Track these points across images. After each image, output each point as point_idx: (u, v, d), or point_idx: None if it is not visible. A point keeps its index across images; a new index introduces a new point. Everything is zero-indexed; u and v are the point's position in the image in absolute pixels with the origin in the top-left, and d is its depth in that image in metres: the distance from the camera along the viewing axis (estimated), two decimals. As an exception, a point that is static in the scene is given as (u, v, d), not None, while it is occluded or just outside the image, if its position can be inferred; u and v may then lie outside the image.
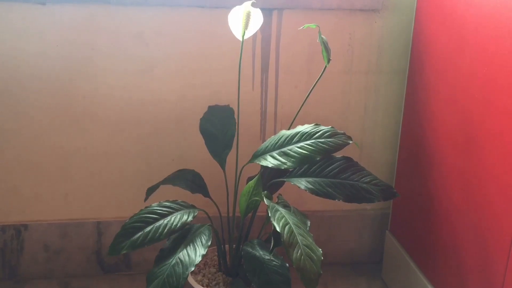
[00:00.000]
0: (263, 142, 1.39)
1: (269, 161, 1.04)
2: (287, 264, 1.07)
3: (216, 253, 1.25)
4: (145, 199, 1.17)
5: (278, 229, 0.90)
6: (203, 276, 1.19)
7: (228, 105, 1.22)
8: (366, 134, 1.43)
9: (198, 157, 1.36)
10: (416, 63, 1.26)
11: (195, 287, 1.14)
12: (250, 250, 1.11)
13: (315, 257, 0.89)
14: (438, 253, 1.17)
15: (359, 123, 1.41)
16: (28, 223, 1.38)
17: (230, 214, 1.20)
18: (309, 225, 1.04)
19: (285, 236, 0.90)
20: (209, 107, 1.23)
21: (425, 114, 1.21)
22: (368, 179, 1.09)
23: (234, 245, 1.20)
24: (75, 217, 1.40)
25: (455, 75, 1.08)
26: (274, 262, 1.07)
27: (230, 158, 1.18)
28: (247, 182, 1.23)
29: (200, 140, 1.19)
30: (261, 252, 1.10)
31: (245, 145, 1.33)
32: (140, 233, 1.00)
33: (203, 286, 1.16)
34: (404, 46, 1.36)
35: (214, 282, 1.17)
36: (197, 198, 1.18)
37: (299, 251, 0.89)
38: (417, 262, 1.28)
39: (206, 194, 1.18)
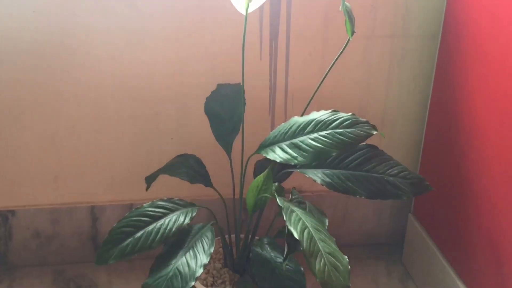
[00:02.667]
0: (271, 119, 1.24)
1: (278, 154, 0.89)
2: (302, 268, 0.95)
3: (221, 245, 1.13)
4: (147, 188, 1.04)
5: (296, 235, 0.77)
6: (207, 273, 1.08)
7: (239, 84, 1.06)
8: (389, 108, 1.26)
9: (200, 138, 1.22)
10: (451, 26, 1.08)
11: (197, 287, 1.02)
12: (260, 251, 0.98)
13: (341, 267, 0.76)
14: (469, 245, 1.04)
15: (381, 95, 1.25)
16: (15, 209, 1.25)
17: (236, 208, 1.06)
18: (327, 224, 0.91)
19: (304, 244, 0.76)
20: (218, 85, 1.08)
21: (461, 85, 1.05)
22: (396, 171, 0.94)
23: (241, 241, 1.07)
24: (66, 201, 1.27)
25: (501, 39, 0.90)
26: (288, 266, 0.94)
27: (235, 142, 1.03)
28: (255, 168, 1.09)
29: (201, 118, 1.04)
30: (272, 254, 0.97)
31: (251, 124, 1.18)
32: (129, 239, 0.87)
33: (207, 286, 1.04)
34: (437, 6, 1.17)
35: (219, 281, 1.06)
36: (198, 188, 1.05)
37: (322, 261, 0.76)
38: (443, 251, 1.15)
39: (208, 183, 1.04)
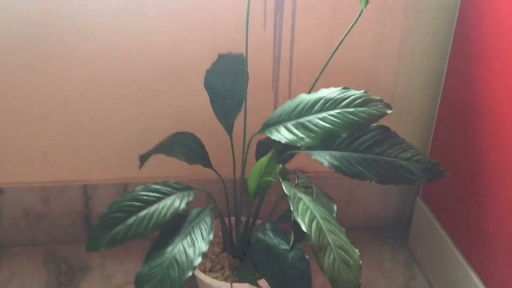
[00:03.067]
0: (275, 95, 1.17)
1: (283, 135, 0.82)
2: (307, 256, 0.89)
3: (220, 228, 1.07)
4: (140, 167, 0.97)
5: (304, 228, 0.70)
6: (205, 257, 1.02)
7: (242, 54, 0.98)
8: (399, 85, 1.19)
9: (199, 115, 1.15)
10: None
11: (195, 273, 0.97)
12: (262, 236, 0.92)
13: (351, 262, 0.70)
14: (482, 231, 0.98)
15: (392, 71, 1.17)
16: (3, 186, 1.19)
17: (237, 190, 1.00)
18: (335, 210, 0.85)
19: (313, 236, 0.70)
20: (219, 55, 0.99)
21: (480, 63, 0.97)
22: (409, 155, 0.88)
23: (241, 224, 1.01)
24: (57, 179, 1.20)
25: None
26: (292, 254, 0.88)
27: (236, 120, 0.96)
28: (257, 148, 1.03)
29: (201, 94, 0.97)
30: (275, 240, 0.91)
31: (253, 101, 1.10)
32: (120, 226, 0.81)
33: (205, 271, 0.99)
34: (454, -24, 1.09)
35: (218, 266, 1.00)
36: (197, 169, 0.98)
37: (332, 256, 0.70)
38: (452, 236, 1.10)
39: (206, 164, 0.97)
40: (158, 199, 0.84)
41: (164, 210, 0.83)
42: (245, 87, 0.93)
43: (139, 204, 0.83)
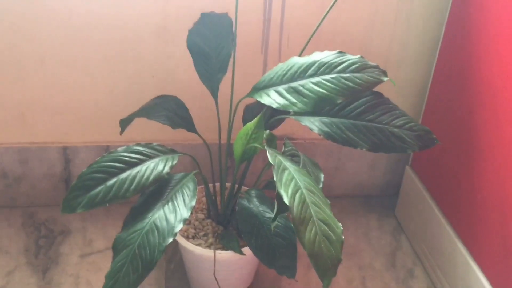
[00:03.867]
0: (264, 58, 1.12)
1: (274, 99, 0.78)
2: (292, 225, 0.87)
3: (204, 193, 1.04)
4: (121, 132, 0.92)
5: (286, 200, 0.67)
6: (189, 223, 0.99)
7: (227, 14, 0.93)
8: (394, 49, 1.15)
9: (184, 77, 1.10)
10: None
11: (177, 240, 0.94)
12: (247, 204, 0.89)
13: (333, 237, 0.67)
14: (471, 203, 0.96)
15: (387, 35, 1.13)
16: (-21, 147, 1.14)
17: (223, 156, 0.96)
18: (322, 180, 0.81)
19: (295, 209, 0.67)
20: (202, 14, 0.94)
21: (479, 29, 0.93)
22: (401, 122, 0.85)
23: (226, 191, 0.98)
24: (35, 140, 1.16)
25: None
26: (277, 222, 0.86)
27: (222, 83, 0.92)
28: (244, 112, 0.99)
29: (185, 54, 0.91)
30: (260, 208, 0.89)
31: (241, 64, 1.05)
32: (100, 187, 0.77)
33: (188, 237, 0.96)
34: None
35: (202, 233, 0.97)
36: (180, 133, 0.94)
37: (313, 229, 0.67)
38: (440, 206, 1.08)
39: (191, 128, 0.93)
40: (141, 161, 0.80)
41: (147, 173, 0.79)
42: (233, 47, 0.88)
43: (120, 165, 0.79)
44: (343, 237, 0.68)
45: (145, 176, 0.79)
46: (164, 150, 0.84)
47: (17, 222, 1.19)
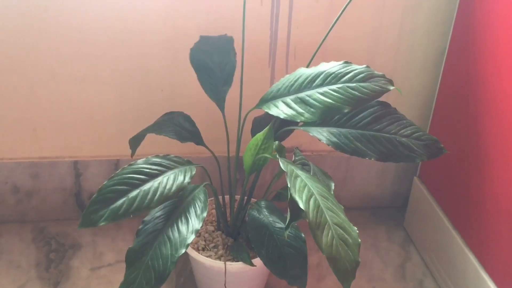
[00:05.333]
0: (271, 71, 1.14)
1: (281, 110, 0.80)
2: (303, 235, 0.87)
3: (214, 206, 1.04)
4: (132, 154, 0.93)
5: (302, 205, 0.68)
6: (199, 236, 1.00)
7: (226, 35, 0.95)
8: (400, 62, 1.16)
9: (191, 92, 1.11)
10: (475, -26, 0.97)
11: (188, 252, 0.94)
12: (257, 215, 0.90)
13: (350, 240, 0.68)
14: (481, 212, 0.96)
15: (392, 48, 1.14)
16: (-9, 161, 1.16)
17: (232, 168, 0.97)
18: (333, 188, 0.82)
19: (311, 214, 0.68)
20: (201, 37, 0.96)
21: (484, 39, 0.94)
22: (409, 131, 0.85)
23: (235, 203, 0.99)
24: (46, 155, 1.17)
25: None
26: (287, 232, 0.86)
27: (230, 97, 0.93)
28: (253, 125, 1.00)
29: (193, 69, 0.93)
30: (270, 219, 0.89)
31: (249, 77, 1.07)
32: (123, 199, 0.77)
33: (198, 249, 0.96)
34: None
35: (212, 245, 0.98)
36: (189, 147, 0.95)
37: (330, 233, 0.67)
38: (449, 217, 1.08)
39: (199, 141, 0.94)
40: (161, 172, 0.81)
41: (169, 183, 0.79)
42: (234, 62, 0.90)
43: (142, 176, 0.79)
44: (359, 240, 0.69)
45: (167, 187, 0.79)
46: (182, 161, 0.85)
47: (28, 237, 1.20)
